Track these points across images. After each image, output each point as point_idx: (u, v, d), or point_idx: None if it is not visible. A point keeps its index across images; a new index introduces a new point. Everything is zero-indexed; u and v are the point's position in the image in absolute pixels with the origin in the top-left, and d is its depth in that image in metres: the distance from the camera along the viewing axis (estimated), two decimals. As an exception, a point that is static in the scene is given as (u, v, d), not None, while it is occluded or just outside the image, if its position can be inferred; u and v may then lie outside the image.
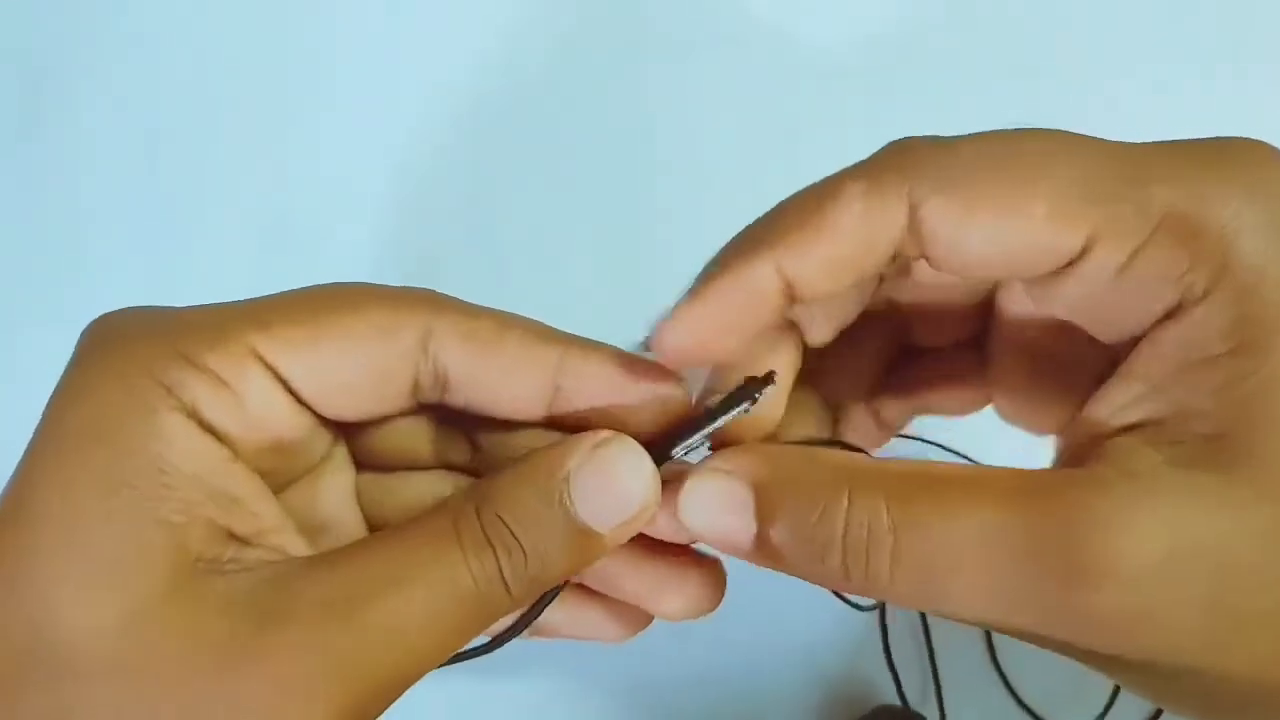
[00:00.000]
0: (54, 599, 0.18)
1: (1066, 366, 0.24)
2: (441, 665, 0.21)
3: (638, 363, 0.23)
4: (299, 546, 0.21)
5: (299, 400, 0.22)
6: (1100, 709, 0.38)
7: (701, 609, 0.24)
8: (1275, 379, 0.17)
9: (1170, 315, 0.18)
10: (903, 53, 0.44)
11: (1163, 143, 0.19)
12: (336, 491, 0.25)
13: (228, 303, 0.22)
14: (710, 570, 0.24)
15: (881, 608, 0.39)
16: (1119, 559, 0.17)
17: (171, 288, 0.41)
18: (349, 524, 0.25)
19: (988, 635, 0.39)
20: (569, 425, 0.23)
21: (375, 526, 0.26)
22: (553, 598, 0.23)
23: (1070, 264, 0.19)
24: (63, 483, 0.19)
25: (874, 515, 0.19)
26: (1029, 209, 0.18)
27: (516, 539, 0.20)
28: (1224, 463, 0.18)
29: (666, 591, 0.24)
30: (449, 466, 0.26)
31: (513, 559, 0.20)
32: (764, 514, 0.20)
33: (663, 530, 0.22)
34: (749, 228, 0.22)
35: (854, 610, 0.39)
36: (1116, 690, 0.38)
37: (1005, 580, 0.18)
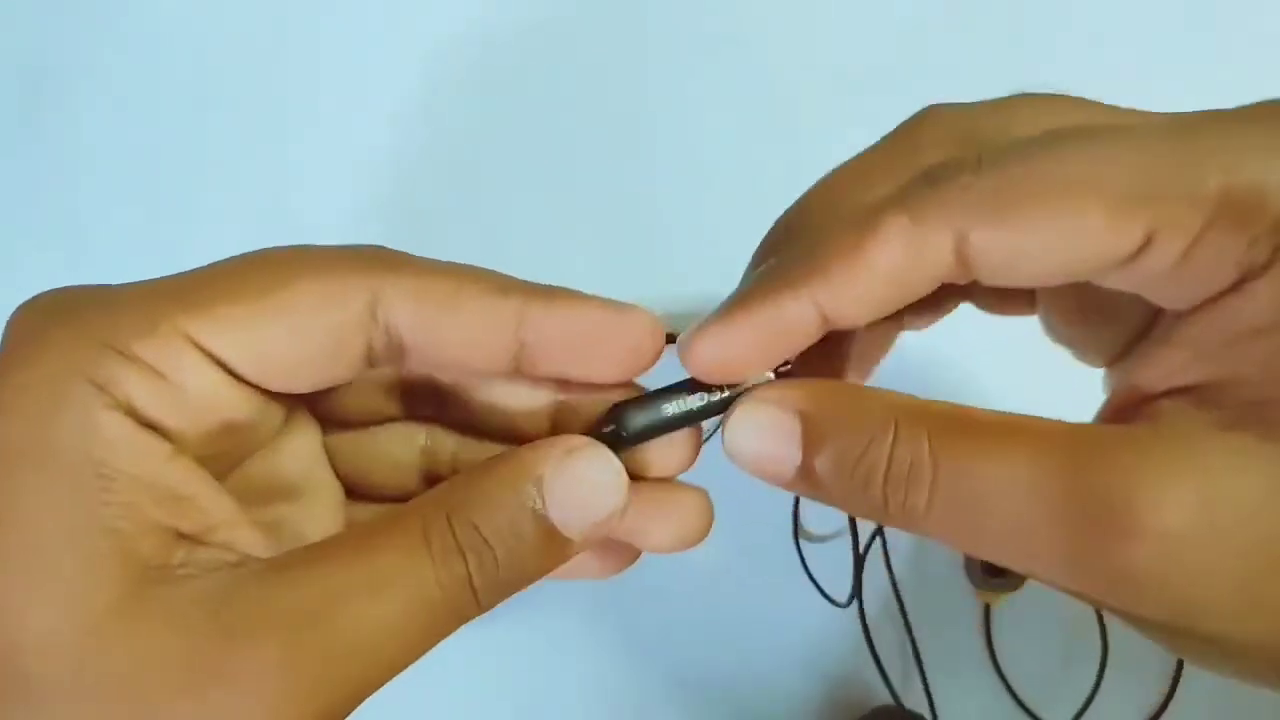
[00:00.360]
0: (8, 620, 0.18)
1: (1119, 302, 0.23)
2: None
3: (602, 309, 0.22)
4: (253, 541, 0.20)
5: (241, 380, 0.21)
6: (1092, 710, 0.38)
7: (690, 540, 0.24)
8: None
9: (1230, 289, 0.18)
10: (903, 50, 0.44)
11: (1206, 114, 0.19)
12: (303, 453, 0.24)
13: (156, 280, 0.21)
14: (697, 498, 0.24)
15: (860, 607, 0.39)
16: (1159, 515, 0.17)
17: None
18: (322, 483, 0.25)
19: (987, 633, 0.39)
20: (539, 377, 0.23)
21: (350, 481, 0.26)
22: None
23: (1129, 259, 0.19)
24: (4, 501, 0.18)
25: (917, 450, 0.19)
26: (1084, 223, 0.18)
27: (489, 545, 0.20)
28: (1267, 428, 0.18)
29: (654, 524, 0.23)
30: (418, 418, 0.25)
31: (484, 566, 0.20)
32: (810, 444, 0.21)
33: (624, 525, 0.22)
34: (786, 256, 0.22)
35: (845, 611, 0.39)
36: (1098, 682, 0.38)
37: (1038, 526, 0.18)
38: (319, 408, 0.25)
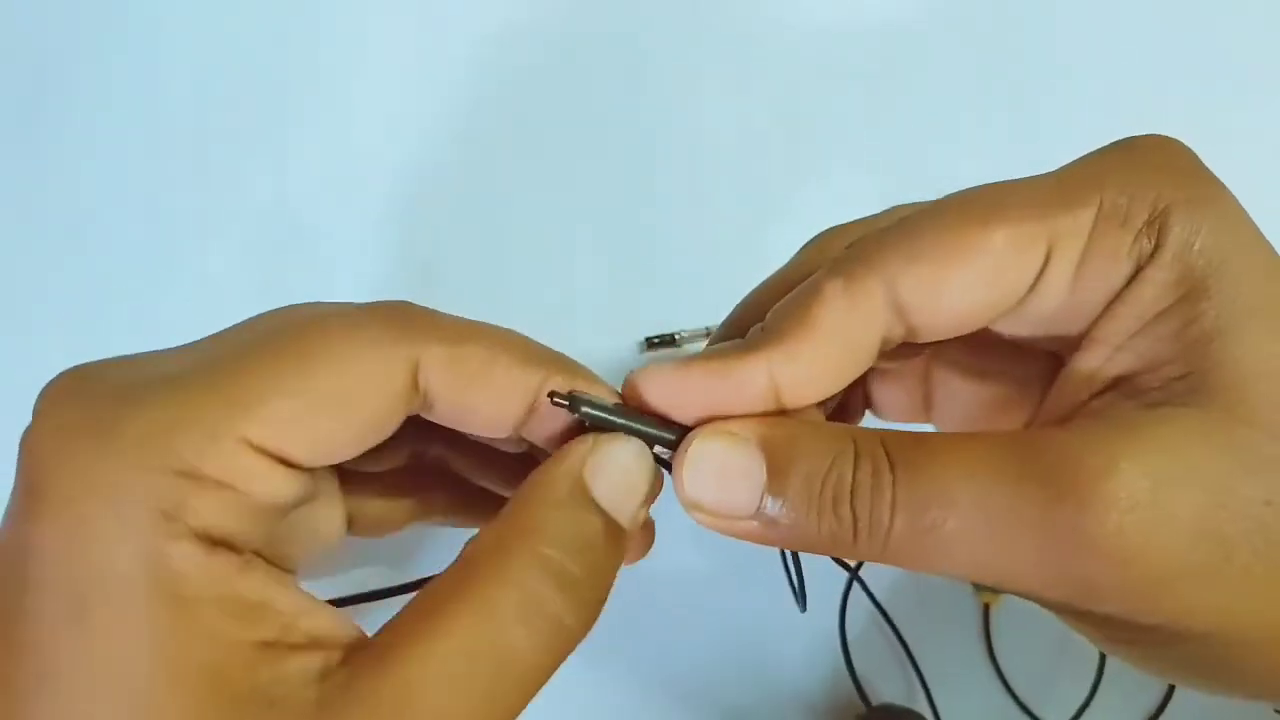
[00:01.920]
0: None
1: (1012, 381, 0.26)
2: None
3: (605, 387, 0.23)
4: (327, 624, 0.20)
5: (296, 467, 0.20)
6: (1091, 709, 0.38)
7: (636, 555, 0.25)
8: (1222, 317, 0.19)
9: (1126, 285, 0.20)
10: (903, 45, 0.44)
11: (1086, 155, 0.22)
12: (325, 509, 0.26)
13: (197, 371, 0.20)
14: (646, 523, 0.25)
15: (842, 614, 0.39)
16: (1110, 482, 0.18)
17: (172, 285, 0.42)
18: (323, 479, 0.25)
19: (986, 634, 0.39)
20: (539, 438, 0.23)
21: (353, 518, 0.27)
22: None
23: (1036, 281, 0.21)
24: (85, 641, 0.17)
25: (877, 461, 0.20)
26: (991, 248, 0.20)
27: (567, 569, 0.20)
28: (1194, 397, 0.19)
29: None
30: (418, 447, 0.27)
31: (572, 593, 0.20)
32: (774, 473, 0.21)
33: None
34: (737, 319, 0.24)
35: (852, 610, 0.39)
36: (1097, 681, 0.38)
37: (1001, 513, 0.19)
38: None
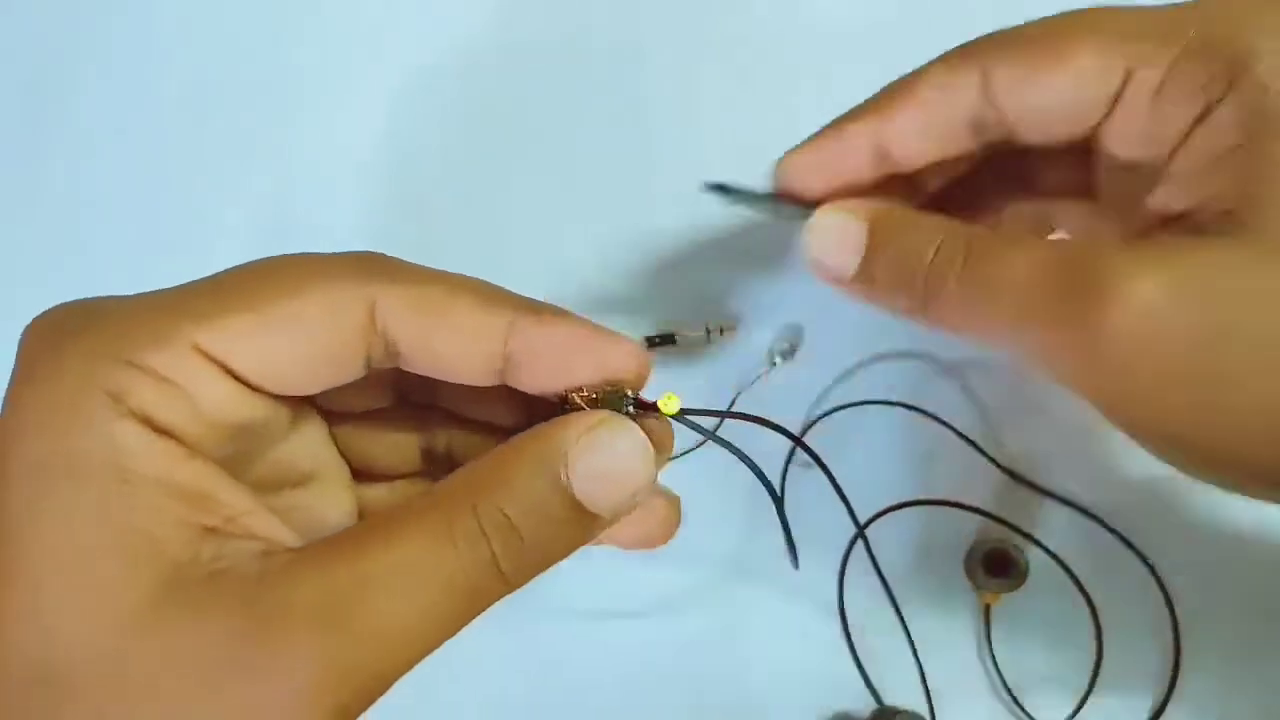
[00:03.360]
0: (47, 625, 0.18)
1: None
2: None
3: (587, 329, 0.23)
4: (275, 528, 0.21)
5: (250, 386, 0.21)
6: (1091, 709, 0.38)
7: (654, 542, 0.26)
8: (1277, 159, 0.21)
9: (1198, 120, 0.22)
10: (904, 44, 0.44)
11: None
12: (312, 443, 0.25)
13: (166, 291, 0.22)
14: (669, 504, 0.26)
15: (841, 610, 0.39)
16: (1134, 283, 0.20)
17: (172, 283, 0.42)
18: (331, 468, 0.26)
19: (986, 633, 0.39)
20: (522, 388, 0.23)
21: (356, 464, 0.27)
22: None
23: (1115, 99, 0.23)
24: (34, 511, 0.19)
25: (954, 250, 0.24)
26: (1076, 57, 0.23)
27: (515, 528, 0.20)
28: (1231, 228, 0.21)
29: (625, 524, 0.24)
30: (414, 405, 0.27)
31: (510, 548, 0.20)
32: (874, 243, 0.26)
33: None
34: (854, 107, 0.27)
35: (852, 612, 0.39)
36: (1093, 680, 0.38)
37: (1040, 292, 0.22)
38: (322, 401, 0.26)
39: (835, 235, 0.26)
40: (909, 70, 0.27)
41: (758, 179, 0.44)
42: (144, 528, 0.19)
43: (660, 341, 0.40)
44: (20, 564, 0.18)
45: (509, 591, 0.21)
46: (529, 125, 0.44)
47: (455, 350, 0.22)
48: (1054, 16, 0.24)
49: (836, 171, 0.27)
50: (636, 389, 0.23)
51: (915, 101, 0.26)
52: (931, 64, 0.26)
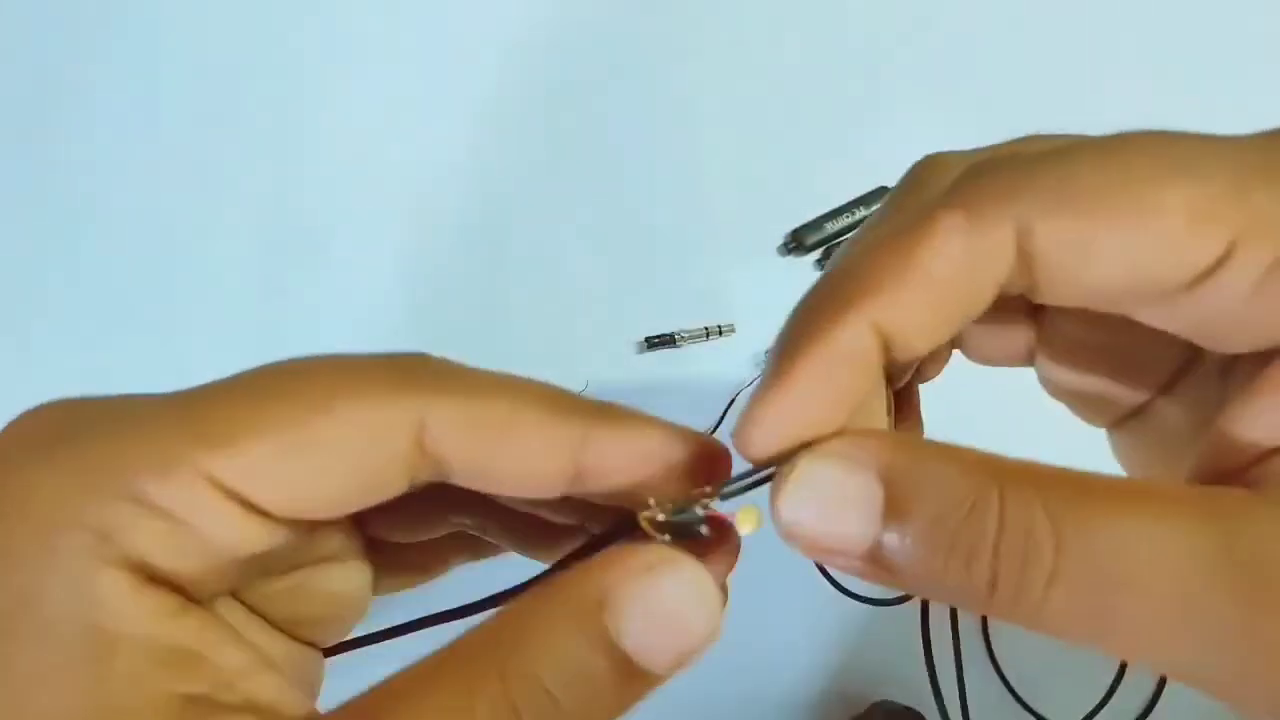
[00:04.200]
0: None
1: (1132, 353, 0.21)
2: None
3: (666, 433, 0.19)
4: (273, 690, 0.18)
5: (270, 518, 0.18)
6: (1095, 704, 0.38)
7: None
8: None
9: None
10: (904, 41, 0.44)
11: None
12: (332, 530, 0.22)
13: (170, 400, 0.18)
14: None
15: (923, 605, 0.39)
16: None
17: (173, 287, 0.42)
18: (346, 547, 0.23)
19: (985, 633, 0.39)
20: (589, 499, 0.20)
21: (373, 535, 0.23)
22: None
23: (1206, 273, 0.16)
24: (5, 686, 0.16)
25: (1031, 515, 0.16)
26: (1163, 210, 0.16)
27: (551, 695, 0.16)
28: None
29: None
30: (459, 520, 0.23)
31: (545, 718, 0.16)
32: (894, 509, 0.17)
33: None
34: (831, 276, 0.18)
35: (854, 605, 0.39)
36: (1114, 687, 0.38)
37: (1190, 599, 0.15)
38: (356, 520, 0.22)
39: (833, 499, 0.17)
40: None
41: (758, 178, 0.44)
42: (118, 704, 0.16)
43: (660, 342, 0.40)
44: None
45: None
46: (532, 129, 0.44)
47: (522, 471, 0.19)
48: (1122, 141, 0.17)
49: (838, 403, 0.18)
50: (713, 495, 0.19)
51: (928, 278, 0.17)
52: (942, 217, 0.17)
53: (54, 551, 0.16)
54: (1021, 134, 0.19)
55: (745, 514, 0.18)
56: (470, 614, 0.22)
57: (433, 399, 0.18)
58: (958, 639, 0.39)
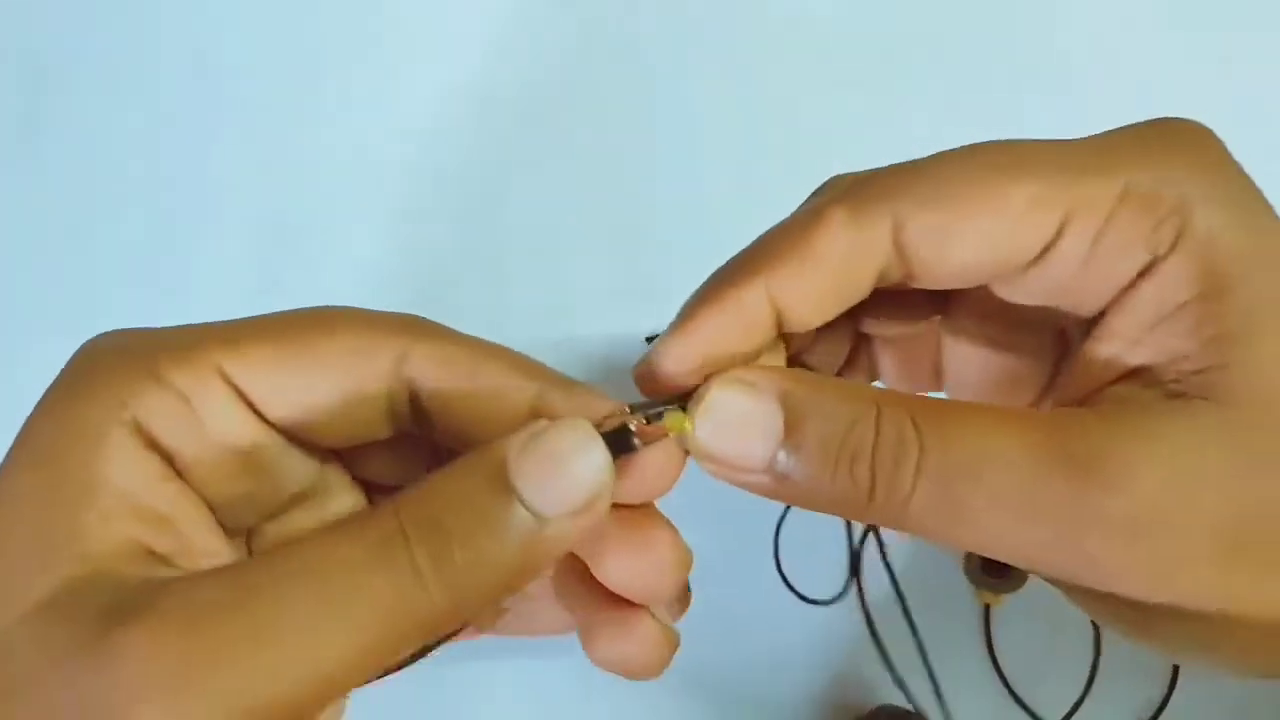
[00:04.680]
0: None
1: (1021, 355, 0.25)
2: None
3: (616, 406, 0.22)
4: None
5: (265, 419, 0.21)
6: (1092, 710, 0.38)
7: (651, 669, 0.23)
8: (1243, 316, 0.19)
9: (1142, 274, 0.20)
10: (904, 36, 0.44)
11: (1114, 130, 0.21)
12: (318, 473, 0.24)
13: (207, 324, 0.21)
14: (666, 634, 0.23)
15: (862, 602, 0.39)
16: (1132, 466, 0.19)
17: (173, 288, 0.42)
18: (337, 487, 0.24)
19: (986, 633, 0.39)
20: None
21: (362, 479, 0.25)
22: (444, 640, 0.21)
23: (1047, 248, 0.20)
24: (3, 485, 0.19)
25: (902, 426, 0.19)
26: (1007, 200, 0.20)
27: (441, 524, 0.18)
28: (1213, 392, 0.19)
29: (626, 558, 0.22)
30: None
31: (435, 552, 0.18)
32: (791, 428, 0.20)
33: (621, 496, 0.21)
34: (736, 256, 0.22)
35: (853, 610, 0.39)
36: (1091, 680, 0.38)
37: (1027, 486, 0.19)
38: (357, 471, 0.25)
39: (737, 424, 0.20)
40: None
41: (760, 176, 0.44)
42: (85, 530, 0.18)
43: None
44: None
45: (443, 612, 0.18)
46: (532, 126, 0.44)
47: (482, 410, 0.21)
48: (973, 150, 0.21)
49: (730, 352, 0.21)
50: (633, 413, 0.21)
51: (815, 258, 0.21)
52: (831, 210, 0.21)
53: (89, 411, 0.19)
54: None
55: (671, 418, 0.21)
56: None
57: (417, 339, 0.21)
58: (914, 626, 0.39)
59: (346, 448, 0.23)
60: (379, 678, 0.20)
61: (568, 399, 0.21)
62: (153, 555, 0.19)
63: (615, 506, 0.21)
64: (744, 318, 0.21)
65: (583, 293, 0.42)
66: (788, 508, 0.40)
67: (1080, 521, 0.19)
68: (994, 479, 0.19)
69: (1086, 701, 0.38)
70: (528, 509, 0.18)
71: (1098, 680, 0.38)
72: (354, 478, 0.25)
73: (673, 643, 0.24)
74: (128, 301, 0.41)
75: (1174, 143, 0.21)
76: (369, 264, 0.43)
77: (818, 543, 0.40)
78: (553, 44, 0.44)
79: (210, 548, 0.20)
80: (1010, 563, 0.20)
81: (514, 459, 0.19)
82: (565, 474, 0.19)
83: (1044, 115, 0.43)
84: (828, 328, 0.25)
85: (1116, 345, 0.21)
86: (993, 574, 0.38)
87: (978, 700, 0.39)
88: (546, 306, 0.42)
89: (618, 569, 0.22)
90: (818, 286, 0.21)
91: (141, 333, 0.21)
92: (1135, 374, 0.21)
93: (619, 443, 0.20)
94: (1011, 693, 0.38)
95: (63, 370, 0.21)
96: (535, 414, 0.21)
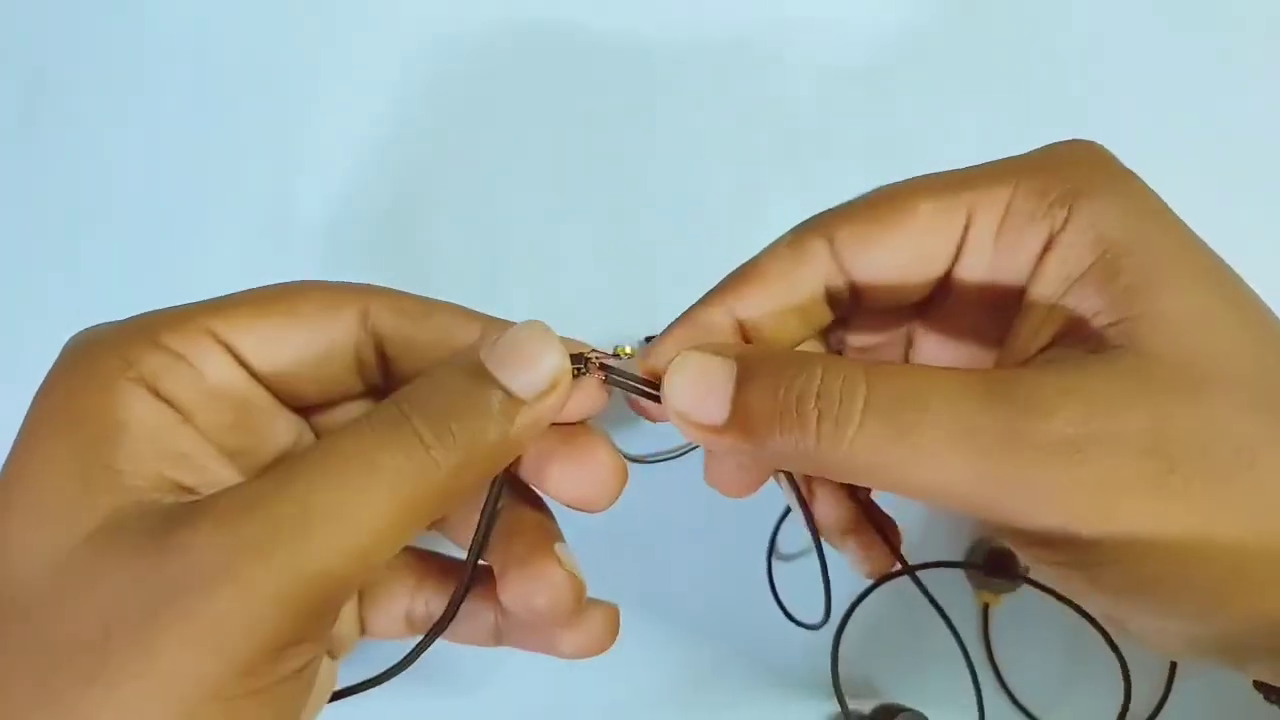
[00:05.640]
0: (13, 543, 0.20)
1: (981, 350, 0.28)
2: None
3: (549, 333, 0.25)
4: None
5: (253, 374, 0.24)
6: (1090, 710, 0.38)
7: (598, 649, 0.27)
8: (1142, 272, 0.22)
9: (1046, 249, 0.23)
10: (903, 45, 0.44)
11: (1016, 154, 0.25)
12: (295, 432, 0.26)
13: (192, 302, 0.24)
14: (608, 612, 0.27)
15: (838, 629, 0.39)
16: (1065, 404, 0.21)
17: (172, 285, 0.42)
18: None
19: (985, 633, 0.39)
20: None
21: None
22: (471, 582, 0.25)
23: (960, 245, 0.24)
24: (34, 448, 0.21)
25: (849, 371, 0.22)
26: (914, 211, 0.24)
27: (437, 409, 0.21)
28: (1129, 339, 0.21)
29: (565, 470, 0.25)
30: None
31: (433, 425, 0.21)
32: (744, 378, 0.23)
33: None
34: (708, 291, 0.26)
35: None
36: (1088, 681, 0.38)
37: (967, 416, 0.21)
38: (326, 432, 0.27)
39: (698, 379, 0.23)
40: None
41: (757, 177, 0.44)
42: (119, 467, 0.20)
43: (660, 342, 0.40)
44: (10, 490, 0.20)
45: (447, 480, 0.21)
46: (530, 128, 0.44)
47: (437, 353, 0.25)
48: (897, 182, 0.25)
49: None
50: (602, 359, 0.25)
51: (763, 279, 0.25)
52: (776, 241, 0.26)
53: (94, 371, 0.22)
54: None
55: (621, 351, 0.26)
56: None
57: (375, 295, 0.25)
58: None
59: (321, 403, 0.26)
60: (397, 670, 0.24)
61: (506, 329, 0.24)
62: (182, 488, 0.21)
63: (556, 426, 0.24)
64: (708, 333, 0.25)
65: (579, 297, 0.42)
66: (778, 526, 0.40)
67: (1017, 448, 0.20)
68: (939, 409, 0.21)
69: (1081, 702, 0.38)
70: (502, 389, 0.22)
71: (1097, 682, 0.38)
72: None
73: (616, 619, 0.27)
74: (127, 301, 0.41)
75: (1063, 153, 0.24)
76: (367, 263, 0.43)
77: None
78: (553, 44, 0.44)
79: (225, 477, 0.23)
80: (950, 505, 0.22)
81: (486, 352, 0.23)
82: (530, 358, 0.23)
83: (1045, 121, 0.43)
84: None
85: (1039, 313, 0.24)
86: (993, 573, 0.38)
87: (973, 697, 0.39)
88: (545, 307, 0.42)
89: (562, 479, 0.25)
90: (769, 299, 0.25)
91: (125, 320, 0.24)
92: (1061, 337, 0.23)
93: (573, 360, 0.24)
94: (1009, 692, 0.38)
95: (57, 360, 0.22)
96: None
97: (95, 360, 0.22)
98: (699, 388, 0.23)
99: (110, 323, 0.23)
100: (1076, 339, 0.23)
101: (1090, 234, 0.22)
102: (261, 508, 0.20)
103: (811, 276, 0.25)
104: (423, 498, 0.21)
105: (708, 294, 0.26)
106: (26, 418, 0.21)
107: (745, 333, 0.26)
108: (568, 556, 0.26)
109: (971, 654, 0.39)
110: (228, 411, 0.23)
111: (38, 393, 0.22)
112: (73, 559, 0.19)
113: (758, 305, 0.25)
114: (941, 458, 0.21)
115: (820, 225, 0.25)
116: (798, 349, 0.27)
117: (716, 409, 0.23)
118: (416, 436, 0.21)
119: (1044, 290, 0.23)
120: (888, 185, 0.25)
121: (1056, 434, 0.20)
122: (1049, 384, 0.21)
